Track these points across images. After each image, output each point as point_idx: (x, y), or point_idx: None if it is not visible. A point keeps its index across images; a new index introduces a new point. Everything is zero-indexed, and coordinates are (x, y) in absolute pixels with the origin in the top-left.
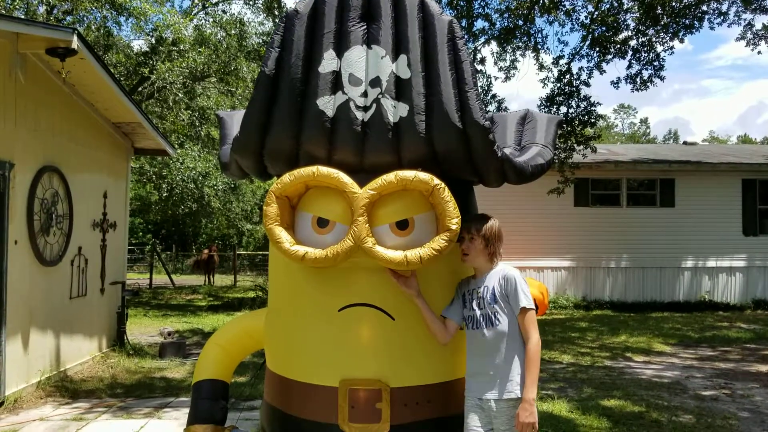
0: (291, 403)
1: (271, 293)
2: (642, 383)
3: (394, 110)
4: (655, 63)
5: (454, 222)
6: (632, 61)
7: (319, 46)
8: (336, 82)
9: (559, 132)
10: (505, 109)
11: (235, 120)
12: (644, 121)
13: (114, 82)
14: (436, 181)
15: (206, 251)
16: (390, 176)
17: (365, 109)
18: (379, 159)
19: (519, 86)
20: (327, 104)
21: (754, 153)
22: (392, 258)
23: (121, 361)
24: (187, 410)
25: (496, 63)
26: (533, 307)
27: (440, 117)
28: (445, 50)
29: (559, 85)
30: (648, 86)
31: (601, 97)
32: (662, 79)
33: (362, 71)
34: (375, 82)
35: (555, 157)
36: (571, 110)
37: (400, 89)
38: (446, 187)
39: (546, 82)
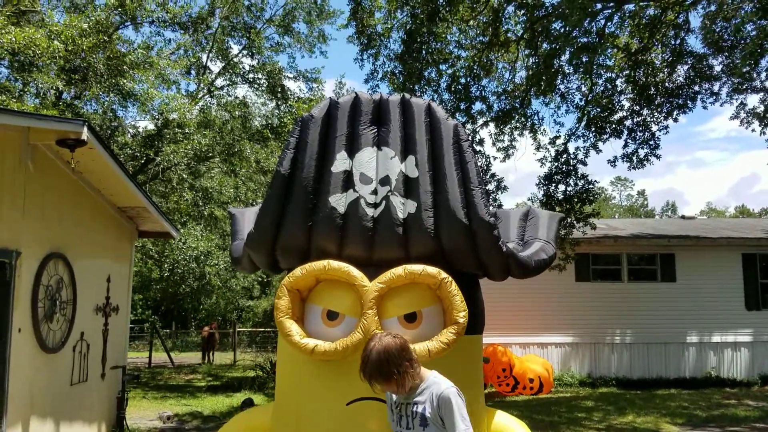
0: None
1: (278, 386)
2: None
3: (403, 207)
4: (651, 142)
5: (462, 315)
6: (628, 140)
7: (332, 147)
8: (347, 181)
9: (559, 210)
10: (504, 187)
11: (246, 217)
12: (641, 193)
13: (121, 169)
14: (444, 274)
15: (206, 328)
16: (398, 270)
17: (375, 205)
18: (388, 253)
19: (517, 164)
20: (339, 201)
21: (752, 227)
22: None
23: None
24: None
25: (494, 144)
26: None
27: (447, 213)
28: (451, 152)
29: (556, 164)
30: (644, 165)
31: (599, 169)
32: (658, 157)
33: (373, 170)
34: (385, 181)
35: (557, 253)
36: (569, 188)
37: (409, 187)
38: (453, 281)
39: (544, 161)
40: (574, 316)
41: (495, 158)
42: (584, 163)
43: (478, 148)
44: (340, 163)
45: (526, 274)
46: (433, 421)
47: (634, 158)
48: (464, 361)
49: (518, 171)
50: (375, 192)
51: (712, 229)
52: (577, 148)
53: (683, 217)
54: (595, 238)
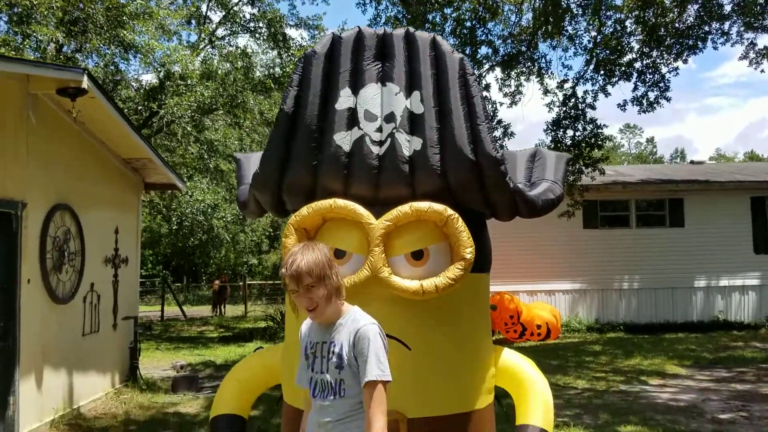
0: None
1: (288, 327)
2: (658, 407)
3: (408, 144)
4: (661, 84)
5: (468, 251)
6: (637, 83)
7: (335, 84)
8: (352, 119)
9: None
10: (511, 134)
11: (251, 162)
12: (650, 141)
13: (124, 120)
14: (450, 211)
15: (217, 282)
16: (405, 207)
17: (380, 143)
18: (394, 192)
19: (525, 110)
20: (344, 140)
21: (761, 170)
22: (408, 287)
23: (134, 396)
24: None
25: (500, 89)
26: (388, 379)
27: (453, 150)
28: (457, 86)
29: (564, 108)
30: (654, 108)
31: (608, 117)
32: (668, 100)
33: (377, 107)
34: (389, 118)
35: (564, 193)
36: (577, 133)
37: (414, 124)
38: (460, 218)
39: (552, 106)
40: (581, 263)
41: (501, 104)
42: (593, 107)
43: (484, 93)
44: (344, 100)
45: (532, 213)
46: (349, 363)
47: (644, 101)
48: (471, 298)
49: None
50: (380, 129)
51: (720, 173)
52: (585, 92)
53: (692, 162)
54: (604, 185)
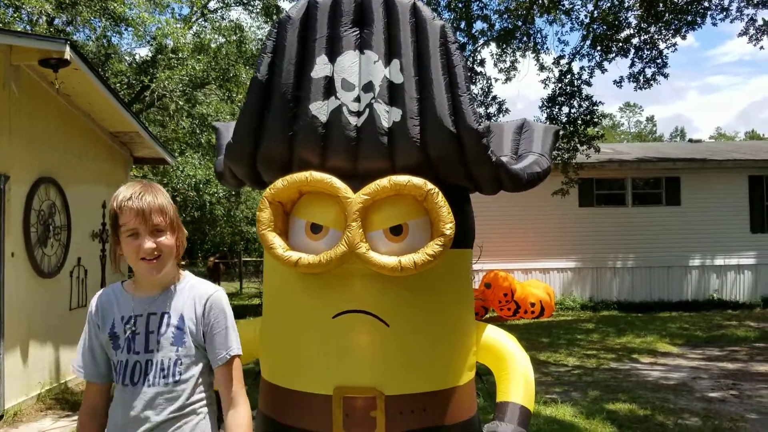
0: (285, 413)
1: (265, 301)
2: (648, 385)
3: (387, 115)
4: (658, 61)
5: (448, 227)
6: (635, 59)
7: (311, 51)
8: (329, 88)
9: (562, 133)
10: (506, 110)
11: (231, 131)
12: (650, 119)
13: (110, 92)
14: (430, 185)
15: (212, 258)
16: (383, 181)
17: (358, 114)
18: (373, 164)
19: (521, 87)
20: (320, 109)
21: (760, 149)
22: (386, 263)
23: None
24: None
25: (495, 64)
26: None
27: (433, 121)
28: (438, 54)
29: (560, 85)
30: (651, 84)
31: (607, 96)
32: (666, 76)
33: (355, 76)
34: (368, 87)
35: (551, 166)
36: (573, 110)
37: (393, 94)
38: (440, 192)
39: (547, 82)
40: (576, 241)
41: (497, 80)
42: (589, 84)
43: (479, 69)
44: (321, 68)
45: (517, 188)
46: (195, 337)
47: (641, 78)
48: (453, 274)
49: (524, 99)
50: (358, 99)
51: (718, 152)
52: (581, 68)
53: (690, 140)
54: (600, 163)
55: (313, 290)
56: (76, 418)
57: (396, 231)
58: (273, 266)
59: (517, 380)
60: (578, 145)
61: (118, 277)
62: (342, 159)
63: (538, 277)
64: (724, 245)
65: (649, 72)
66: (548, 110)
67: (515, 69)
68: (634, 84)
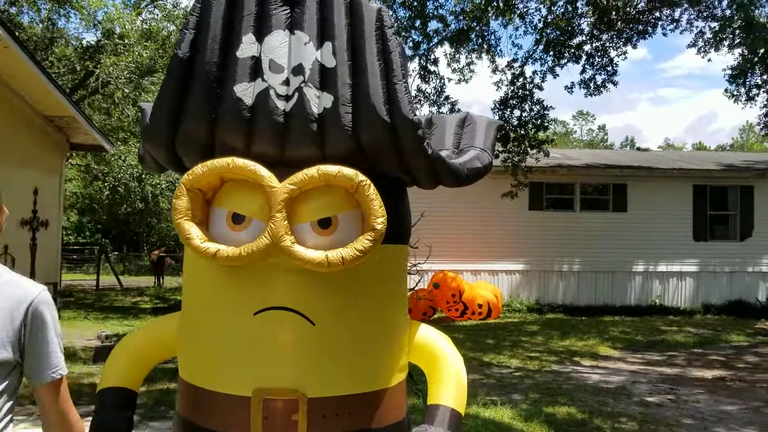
0: (201, 414)
1: (184, 295)
2: (588, 388)
3: (318, 101)
4: (609, 68)
5: (380, 221)
6: (586, 66)
7: (237, 29)
8: (255, 69)
9: (512, 136)
10: (458, 111)
11: None
12: (602, 128)
13: (43, 74)
14: (362, 176)
15: (156, 252)
16: (312, 170)
17: (287, 98)
18: (302, 152)
19: (477, 92)
20: (245, 91)
21: (705, 159)
22: (312, 258)
23: None
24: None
25: (449, 64)
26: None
27: (366, 109)
28: (373, 39)
29: (512, 88)
30: (602, 91)
31: (561, 103)
32: (615, 84)
33: (284, 58)
34: (298, 70)
35: (492, 162)
36: (524, 114)
37: (325, 79)
38: (372, 184)
39: (500, 85)
40: (525, 244)
41: (450, 80)
42: (540, 88)
43: (432, 68)
44: (247, 47)
45: (457, 183)
46: (10, 345)
47: (591, 84)
48: (386, 271)
49: (480, 103)
50: (287, 82)
51: (665, 161)
52: (534, 72)
53: (638, 148)
54: (550, 167)
55: (235, 285)
56: None
57: (324, 224)
58: (193, 258)
59: (449, 382)
60: (528, 149)
61: (51, 265)
62: (268, 145)
63: (487, 279)
64: (668, 252)
65: (599, 79)
66: (500, 113)
67: (472, 71)
68: (585, 90)
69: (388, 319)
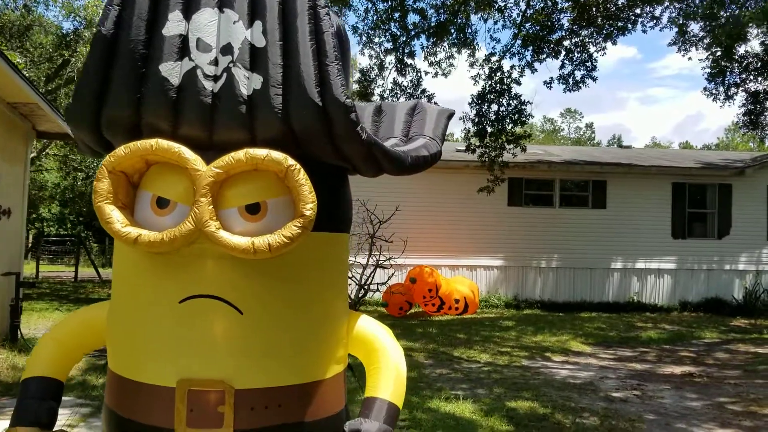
0: (126, 406)
1: (113, 282)
2: (554, 383)
3: (247, 82)
4: (588, 64)
5: (309, 207)
6: (565, 61)
7: (164, 6)
8: (182, 47)
9: (489, 131)
10: (435, 104)
11: None
12: (590, 126)
13: (2, 59)
14: (291, 161)
15: None
16: (239, 154)
17: (215, 78)
18: (231, 135)
19: (452, 85)
20: (172, 71)
21: (685, 157)
22: (237, 244)
23: (9, 357)
24: (67, 412)
25: (426, 57)
26: None
27: (297, 91)
28: (305, 18)
29: (490, 82)
30: (580, 87)
31: (547, 101)
32: (594, 80)
33: (213, 37)
34: (226, 50)
35: (441, 151)
36: (501, 108)
37: (255, 59)
38: (302, 169)
39: (477, 79)
40: (504, 240)
41: (427, 73)
42: (518, 83)
43: (408, 61)
44: (174, 25)
45: (401, 171)
46: None
47: (570, 80)
48: (321, 260)
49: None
50: (215, 62)
51: (645, 158)
52: (512, 67)
53: (620, 146)
54: (530, 163)
55: (160, 272)
56: None
57: (253, 209)
58: (120, 246)
59: (388, 375)
60: (505, 144)
61: (13, 255)
62: (196, 127)
63: (465, 274)
64: (646, 249)
65: (578, 75)
66: (477, 107)
67: (451, 65)
68: (564, 86)
69: (322, 310)
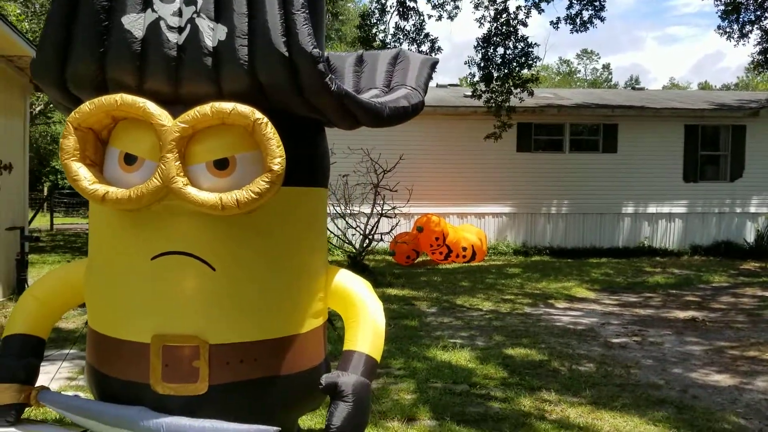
0: (105, 362)
1: (90, 240)
2: (555, 330)
3: (212, 33)
4: (596, 3)
5: (277, 162)
6: (573, 0)
7: None
8: None
9: (496, 75)
10: (439, 49)
11: None
12: (606, 67)
13: None
14: (258, 115)
15: None
16: (205, 108)
17: (179, 30)
18: (197, 89)
19: (454, 28)
20: (134, 23)
21: (698, 99)
22: (205, 200)
23: None
24: (68, 365)
25: (429, 0)
26: None
27: (263, 42)
28: None
29: (495, 25)
30: (588, 27)
31: (563, 42)
32: (602, 20)
33: None
34: (190, 0)
35: (423, 101)
36: (508, 51)
37: (220, 9)
38: (269, 123)
39: (482, 21)
40: (513, 186)
41: (430, 16)
42: (525, 24)
43: (411, 4)
44: None
45: (378, 123)
46: None
47: (578, 20)
48: (294, 214)
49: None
50: (179, 13)
51: (657, 100)
52: (518, 8)
53: (633, 87)
54: (539, 107)
55: (131, 229)
56: None
57: (221, 165)
58: (95, 205)
59: (366, 328)
60: (512, 88)
61: (17, 210)
62: (161, 81)
63: (474, 222)
64: (657, 193)
65: (586, 14)
66: (483, 50)
67: (457, 8)
68: (571, 26)
69: (297, 265)
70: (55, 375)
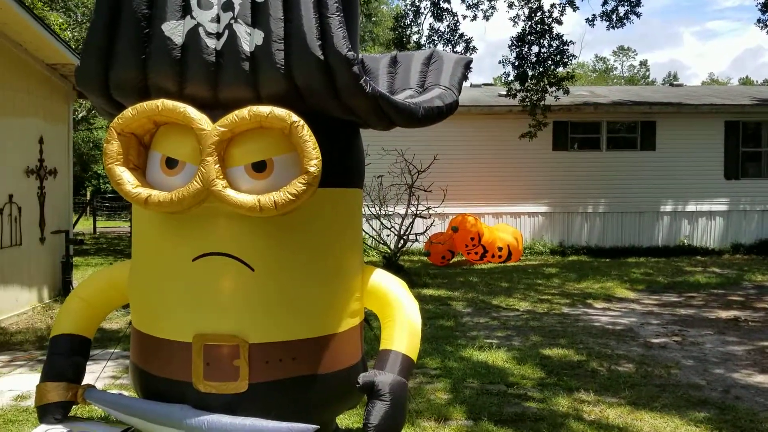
0: (148, 361)
1: (133, 242)
2: (593, 331)
3: (249, 38)
4: None
5: (313, 164)
6: None
7: None
8: (184, 5)
9: (531, 74)
10: (474, 49)
11: None
12: (644, 64)
13: (36, 21)
14: (295, 117)
15: None
16: (243, 112)
17: (217, 36)
18: (235, 93)
19: (488, 27)
20: (174, 30)
21: (739, 94)
22: (244, 202)
23: None
24: (112, 364)
25: (463, 1)
26: None
27: (299, 46)
28: None
29: (530, 23)
30: (624, 24)
31: (599, 39)
32: (638, 15)
33: None
34: (227, 6)
35: (458, 101)
36: (542, 50)
37: (256, 14)
38: (305, 125)
39: (516, 20)
40: (549, 185)
41: (465, 17)
42: (559, 22)
43: (444, 5)
44: None
45: (412, 123)
46: None
47: (614, 16)
48: (331, 215)
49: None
50: (217, 19)
51: (696, 96)
52: (552, 6)
53: (671, 84)
54: (575, 105)
55: (173, 231)
56: (6, 357)
57: (259, 167)
58: (138, 208)
59: (402, 328)
60: (547, 87)
61: (62, 214)
62: (200, 86)
63: (509, 222)
64: (697, 191)
65: (622, 10)
66: (517, 49)
67: (493, 7)
68: (607, 23)
69: (333, 265)
70: (100, 374)
